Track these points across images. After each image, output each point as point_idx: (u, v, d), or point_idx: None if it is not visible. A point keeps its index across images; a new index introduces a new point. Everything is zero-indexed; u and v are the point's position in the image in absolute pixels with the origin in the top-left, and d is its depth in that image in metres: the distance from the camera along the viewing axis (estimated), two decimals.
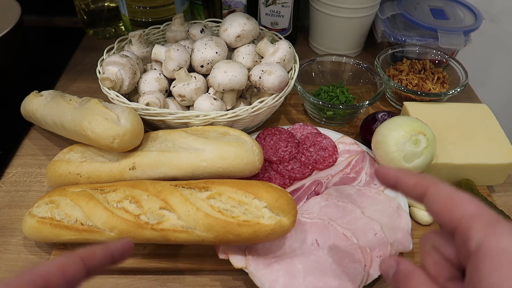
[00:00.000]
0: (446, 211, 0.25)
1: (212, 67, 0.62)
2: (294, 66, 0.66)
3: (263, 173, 0.59)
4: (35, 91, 0.66)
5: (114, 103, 0.59)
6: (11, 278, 0.25)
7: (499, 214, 0.24)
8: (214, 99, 0.59)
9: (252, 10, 0.84)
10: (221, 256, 0.49)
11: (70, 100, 0.59)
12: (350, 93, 0.73)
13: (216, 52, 0.62)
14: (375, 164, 0.61)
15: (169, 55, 0.61)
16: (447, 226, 0.25)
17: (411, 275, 0.25)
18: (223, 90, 0.59)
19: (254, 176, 0.57)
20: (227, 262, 0.48)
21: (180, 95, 0.61)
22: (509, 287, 0.20)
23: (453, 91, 0.70)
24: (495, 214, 0.24)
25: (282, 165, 0.61)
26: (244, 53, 0.65)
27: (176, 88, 0.61)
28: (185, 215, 0.45)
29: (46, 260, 0.27)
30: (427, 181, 0.27)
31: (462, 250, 0.24)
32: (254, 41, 0.71)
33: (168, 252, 0.51)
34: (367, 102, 0.66)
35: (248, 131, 0.67)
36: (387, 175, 0.30)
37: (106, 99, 0.60)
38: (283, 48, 0.64)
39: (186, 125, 0.58)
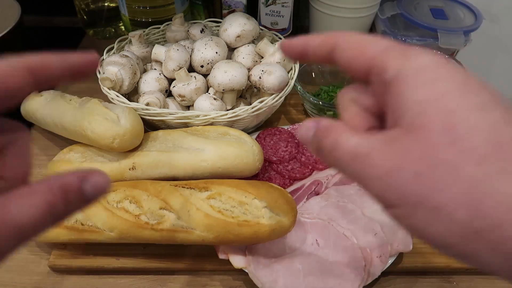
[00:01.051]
0: (358, 55, 0.23)
1: (212, 67, 0.62)
2: (294, 66, 0.66)
3: (263, 173, 0.59)
4: (35, 91, 0.66)
5: (114, 103, 0.59)
6: None
7: None
8: (214, 99, 0.59)
9: (252, 10, 0.84)
10: (221, 256, 0.49)
11: (70, 100, 0.59)
12: None
13: (216, 52, 0.62)
14: None
15: (169, 55, 0.61)
16: (362, 70, 0.23)
17: (331, 127, 0.23)
18: (223, 90, 0.59)
19: (254, 176, 0.57)
20: (227, 262, 0.48)
21: (180, 95, 0.61)
22: (436, 97, 0.19)
23: None
24: (405, 44, 0.23)
25: (282, 165, 0.61)
26: (244, 53, 0.65)
27: (176, 88, 0.61)
28: (185, 215, 0.45)
29: None
30: (334, 34, 0.25)
31: (380, 89, 0.22)
32: (254, 41, 0.71)
33: (168, 252, 0.51)
34: None
35: (248, 131, 0.67)
36: (292, 43, 0.27)
37: (106, 99, 0.60)
38: None
39: (186, 125, 0.58)
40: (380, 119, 0.25)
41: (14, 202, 0.18)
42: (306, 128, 0.25)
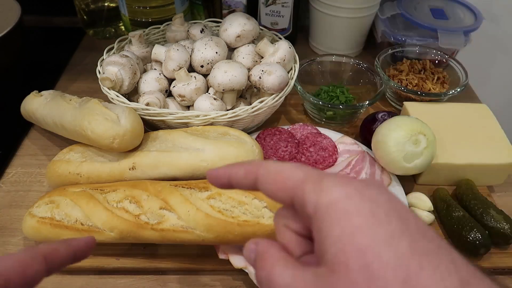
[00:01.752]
0: (280, 187, 0.24)
1: (212, 67, 0.62)
2: (294, 66, 0.66)
3: None
4: (35, 91, 0.66)
5: (114, 103, 0.59)
6: None
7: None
8: (214, 99, 0.59)
9: (252, 10, 0.84)
10: (221, 256, 0.49)
11: (70, 100, 0.59)
12: (350, 93, 0.73)
13: (216, 52, 0.62)
14: (375, 164, 0.61)
15: (169, 55, 0.61)
16: (286, 201, 0.24)
17: (266, 254, 0.24)
18: (223, 90, 0.59)
19: None
20: (227, 262, 0.48)
21: (180, 95, 0.61)
22: (350, 233, 0.20)
23: (453, 91, 0.70)
24: (320, 171, 0.24)
25: None
26: (244, 53, 0.65)
27: (176, 88, 0.61)
28: (185, 215, 0.45)
29: (5, 256, 0.24)
30: (254, 166, 0.26)
31: (305, 219, 0.23)
32: (254, 41, 0.71)
33: (168, 252, 0.51)
34: (367, 102, 0.66)
35: (248, 131, 0.67)
36: (218, 175, 0.28)
37: (106, 99, 0.60)
38: (283, 48, 0.64)
39: (186, 125, 0.58)
40: (312, 241, 0.25)
41: None
42: (248, 250, 0.26)
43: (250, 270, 0.47)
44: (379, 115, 0.65)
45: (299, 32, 0.94)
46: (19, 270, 0.24)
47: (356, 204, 0.21)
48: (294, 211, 0.25)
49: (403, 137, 0.55)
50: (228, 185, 0.28)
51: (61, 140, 0.67)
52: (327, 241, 0.21)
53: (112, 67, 0.59)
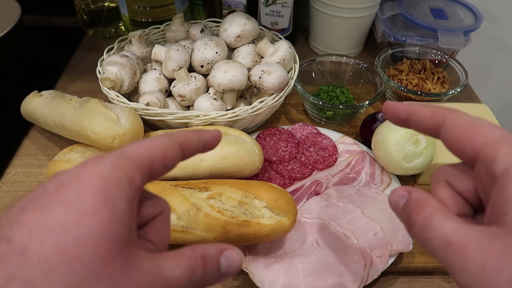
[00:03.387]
0: (467, 137, 0.23)
1: (212, 67, 0.62)
2: (294, 66, 0.66)
3: (263, 173, 0.59)
4: (35, 91, 0.66)
5: (114, 103, 0.59)
6: (114, 154, 0.23)
7: None
8: (214, 99, 0.59)
9: (252, 10, 0.84)
10: None
11: (70, 100, 0.59)
12: (350, 93, 0.73)
13: (216, 52, 0.62)
14: (375, 164, 0.61)
15: (169, 55, 0.61)
16: (468, 153, 0.24)
17: (425, 202, 0.23)
18: (223, 90, 0.59)
19: (254, 176, 0.57)
20: None
21: (180, 95, 0.61)
22: None
23: (453, 91, 0.70)
24: None
25: (282, 165, 0.61)
26: (244, 53, 0.65)
27: (176, 88, 0.61)
28: (185, 215, 0.45)
29: (148, 140, 0.25)
30: (444, 110, 0.25)
31: (484, 178, 0.23)
32: (254, 41, 0.71)
33: None
34: (367, 102, 0.66)
35: (248, 131, 0.67)
36: (398, 109, 0.27)
37: (106, 99, 0.60)
38: (283, 48, 0.64)
39: (186, 125, 0.58)
40: (472, 208, 0.25)
41: (167, 260, 0.23)
42: (397, 195, 0.25)
43: (250, 270, 0.47)
44: (379, 115, 0.65)
45: (299, 32, 0.94)
46: (161, 154, 0.24)
47: None
48: (462, 169, 0.25)
49: (403, 137, 0.55)
50: (405, 122, 0.27)
51: (61, 140, 0.66)
52: (511, 205, 0.20)
53: (112, 67, 0.59)
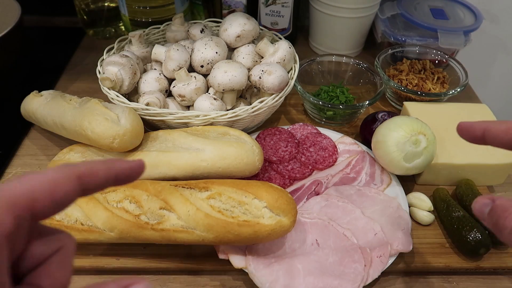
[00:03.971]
0: None
1: (212, 67, 0.62)
2: (294, 66, 0.66)
3: (263, 173, 0.59)
4: (35, 91, 0.66)
5: (114, 103, 0.59)
6: None
7: None
8: (214, 99, 0.59)
9: (252, 10, 0.84)
10: (221, 256, 0.49)
11: (70, 100, 0.59)
12: (350, 93, 0.73)
13: (216, 52, 0.62)
14: (375, 164, 0.61)
15: (169, 55, 0.61)
16: None
17: (511, 208, 0.25)
18: (223, 90, 0.59)
19: (254, 176, 0.57)
20: (227, 262, 0.48)
21: (180, 95, 0.61)
22: None
23: (453, 91, 0.70)
24: None
25: (282, 165, 0.61)
26: (244, 53, 0.65)
27: (176, 88, 0.61)
28: (185, 215, 0.45)
29: (35, 173, 0.21)
30: None
31: None
32: (254, 41, 0.71)
33: (168, 252, 0.51)
34: (367, 102, 0.66)
35: (248, 131, 0.67)
36: (472, 128, 0.28)
37: (106, 99, 0.60)
38: (283, 48, 0.64)
39: (186, 125, 0.58)
40: None
41: None
42: (481, 204, 0.26)
43: (250, 270, 0.47)
44: (379, 115, 0.65)
45: (299, 32, 0.94)
46: (48, 190, 0.21)
47: None
48: None
49: (403, 137, 0.55)
50: (481, 139, 0.28)
51: (61, 140, 0.66)
52: None
53: (112, 67, 0.59)
